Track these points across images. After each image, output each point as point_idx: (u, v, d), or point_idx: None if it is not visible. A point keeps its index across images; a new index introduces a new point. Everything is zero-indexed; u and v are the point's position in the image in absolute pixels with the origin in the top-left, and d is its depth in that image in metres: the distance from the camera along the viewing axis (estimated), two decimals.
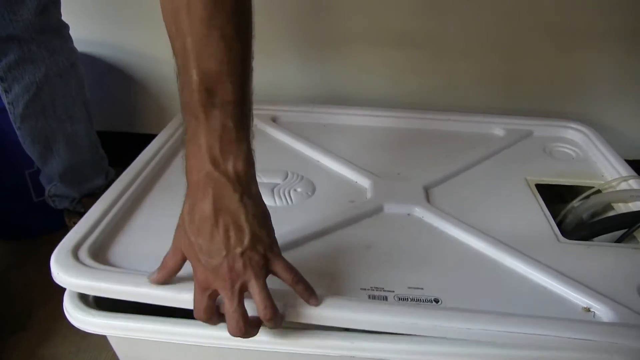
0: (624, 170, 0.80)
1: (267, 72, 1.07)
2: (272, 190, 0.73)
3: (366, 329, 0.54)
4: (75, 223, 0.95)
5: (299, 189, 0.74)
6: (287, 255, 0.51)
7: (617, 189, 0.78)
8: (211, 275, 0.47)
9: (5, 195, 1.00)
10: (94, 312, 0.58)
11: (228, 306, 0.48)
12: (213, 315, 0.50)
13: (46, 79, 0.77)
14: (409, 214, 0.71)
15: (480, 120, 0.96)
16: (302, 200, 0.73)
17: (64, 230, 1.01)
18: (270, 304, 0.48)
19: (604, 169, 0.83)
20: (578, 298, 0.57)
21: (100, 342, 0.82)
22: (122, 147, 1.19)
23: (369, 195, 0.74)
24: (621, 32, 1.04)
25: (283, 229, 0.62)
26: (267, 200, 0.69)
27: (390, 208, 0.71)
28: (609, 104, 1.14)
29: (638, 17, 1.02)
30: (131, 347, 0.64)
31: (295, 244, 0.63)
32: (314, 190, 0.75)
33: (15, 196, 1.00)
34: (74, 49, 0.82)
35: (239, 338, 0.50)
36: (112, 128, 1.20)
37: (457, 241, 0.66)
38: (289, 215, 0.68)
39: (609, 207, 0.78)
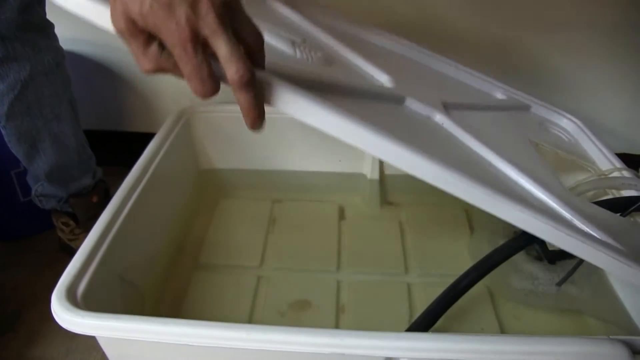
0: (616, 162, 0.81)
1: None
2: (292, 43, 0.66)
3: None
4: (63, 223, 0.95)
5: (319, 54, 0.67)
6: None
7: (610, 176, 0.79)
8: (186, 9, 0.39)
9: None
10: (82, 312, 0.57)
11: (222, 46, 0.40)
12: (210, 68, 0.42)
13: (31, 77, 0.76)
14: (428, 117, 0.68)
15: (485, 79, 0.94)
16: (322, 64, 0.66)
17: (52, 231, 1.00)
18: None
19: (596, 159, 0.84)
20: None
21: (90, 343, 0.81)
22: (110, 145, 1.19)
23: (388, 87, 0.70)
24: (608, 24, 1.04)
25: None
26: (287, 49, 0.64)
27: (411, 103, 0.67)
28: (595, 97, 1.14)
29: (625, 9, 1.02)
30: (121, 348, 0.64)
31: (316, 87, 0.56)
32: (332, 62, 0.69)
33: (1, 197, 0.99)
34: (59, 48, 0.82)
35: None
36: (100, 127, 1.19)
37: (480, 156, 0.65)
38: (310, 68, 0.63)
39: (602, 193, 0.79)
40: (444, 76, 0.91)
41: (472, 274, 0.72)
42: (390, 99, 0.66)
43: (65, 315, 0.57)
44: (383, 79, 0.70)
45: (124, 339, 0.58)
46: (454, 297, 0.72)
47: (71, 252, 0.96)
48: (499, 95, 0.93)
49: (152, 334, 0.56)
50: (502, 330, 0.78)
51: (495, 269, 0.72)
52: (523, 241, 0.74)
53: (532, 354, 0.54)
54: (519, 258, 0.81)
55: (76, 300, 0.60)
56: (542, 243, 0.83)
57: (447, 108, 0.71)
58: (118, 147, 1.19)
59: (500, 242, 0.76)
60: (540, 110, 0.95)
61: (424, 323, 0.71)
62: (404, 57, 0.91)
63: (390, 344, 0.54)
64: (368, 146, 0.51)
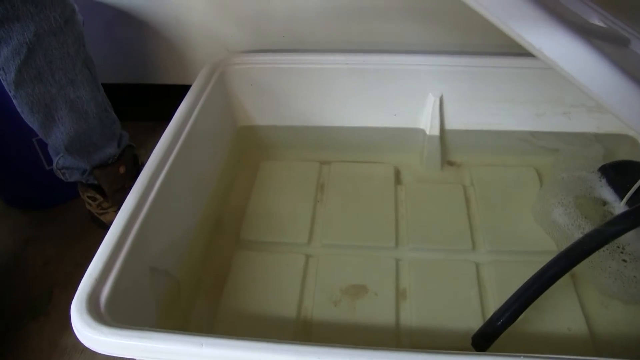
0: None
1: None
2: None
3: None
4: (89, 197, 0.87)
5: None
6: None
7: None
8: None
9: (15, 163, 0.91)
10: (106, 329, 0.50)
11: None
12: None
13: (37, 39, 0.65)
14: None
15: None
16: None
17: (80, 199, 0.93)
18: None
19: None
20: None
21: None
22: (136, 100, 1.09)
23: None
24: None
25: None
26: None
27: None
28: None
29: None
30: None
31: None
32: None
33: (25, 165, 0.91)
34: (67, 3, 0.69)
35: None
36: (124, 80, 1.08)
37: None
38: None
39: None
40: None
41: (561, 261, 0.61)
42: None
43: (87, 333, 0.50)
44: None
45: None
46: (537, 290, 0.62)
47: (101, 224, 0.89)
48: (596, 22, 0.77)
49: (193, 357, 0.48)
50: (589, 322, 0.68)
51: (589, 256, 0.61)
52: (625, 225, 0.61)
53: None
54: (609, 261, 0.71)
55: (99, 310, 0.53)
56: None
57: None
58: (145, 102, 1.10)
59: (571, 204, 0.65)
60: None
61: (503, 320, 0.61)
62: None
63: None
64: None
